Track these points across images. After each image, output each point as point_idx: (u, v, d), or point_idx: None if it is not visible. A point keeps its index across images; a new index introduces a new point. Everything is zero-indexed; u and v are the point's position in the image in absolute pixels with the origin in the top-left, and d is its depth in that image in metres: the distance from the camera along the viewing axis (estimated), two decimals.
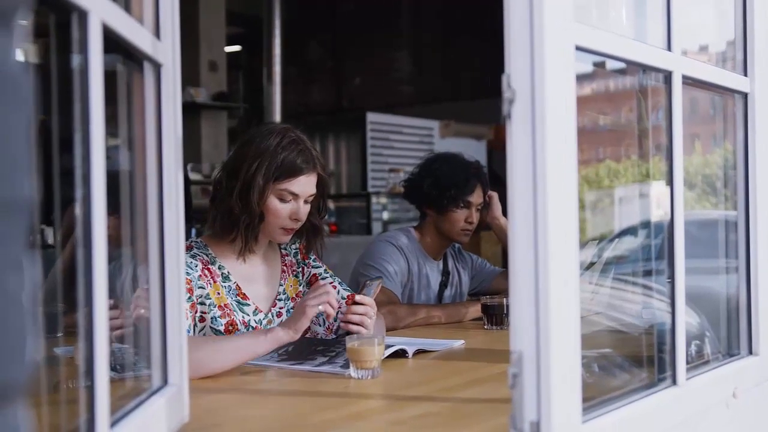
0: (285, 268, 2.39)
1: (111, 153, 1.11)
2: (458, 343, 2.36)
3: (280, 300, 2.34)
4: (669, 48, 1.53)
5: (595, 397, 1.35)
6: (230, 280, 2.23)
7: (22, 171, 0.60)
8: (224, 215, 2.21)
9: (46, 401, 1.21)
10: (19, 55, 0.61)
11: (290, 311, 2.31)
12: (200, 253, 2.21)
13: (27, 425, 0.63)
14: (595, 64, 1.48)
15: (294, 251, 2.44)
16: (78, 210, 1.03)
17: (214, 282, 2.20)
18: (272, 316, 2.30)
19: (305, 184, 2.22)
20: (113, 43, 1.13)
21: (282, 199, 2.20)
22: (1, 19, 0.57)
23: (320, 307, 1.98)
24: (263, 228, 2.24)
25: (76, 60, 1.03)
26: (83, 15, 1.00)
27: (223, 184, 2.22)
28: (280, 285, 2.36)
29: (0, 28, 0.57)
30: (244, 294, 2.25)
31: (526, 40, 1.18)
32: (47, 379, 1.25)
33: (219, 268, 2.23)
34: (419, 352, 2.18)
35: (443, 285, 3.14)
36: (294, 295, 2.37)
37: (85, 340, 1.02)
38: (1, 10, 0.57)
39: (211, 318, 2.16)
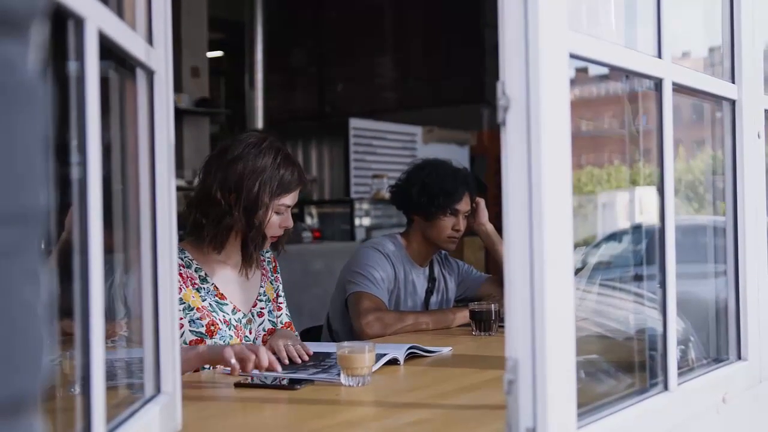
0: (264, 271, 2.48)
1: (102, 160, 1.11)
2: (446, 350, 2.36)
3: (261, 300, 2.42)
4: (659, 55, 1.54)
5: (589, 402, 1.35)
6: (208, 282, 2.29)
7: (37, 180, 0.59)
8: (226, 231, 2.27)
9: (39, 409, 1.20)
10: (35, 64, 0.60)
11: (271, 312, 2.43)
12: None
13: None
14: (578, 70, 1.49)
15: (267, 260, 2.52)
16: (74, 216, 1.02)
17: (187, 286, 2.25)
18: (253, 316, 2.38)
19: (296, 196, 2.35)
20: (106, 49, 1.12)
21: (277, 213, 2.30)
22: (16, 29, 0.57)
23: (233, 361, 1.91)
24: None
25: (71, 66, 1.02)
26: (80, 22, 1.00)
27: (221, 202, 2.23)
28: (261, 286, 2.43)
29: (15, 37, 0.57)
30: (222, 294, 2.31)
31: (521, 48, 1.18)
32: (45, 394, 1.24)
33: (196, 271, 2.29)
34: (411, 357, 2.18)
35: (429, 291, 3.14)
36: (272, 299, 2.47)
37: (81, 348, 1.01)
38: (17, 20, 0.57)
39: (190, 321, 2.21)
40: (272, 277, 2.50)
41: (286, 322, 2.49)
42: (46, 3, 0.62)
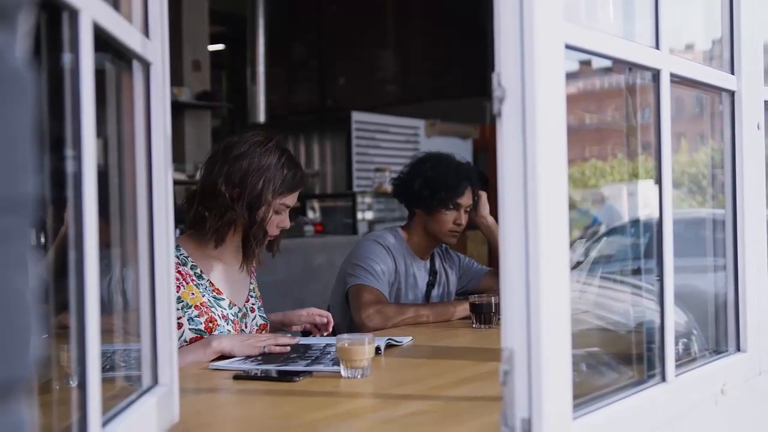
0: (253, 268, 2.51)
1: (98, 153, 1.11)
2: (407, 340, 2.38)
3: (252, 296, 2.46)
4: (657, 46, 1.53)
5: (586, 394, 1.35)
6: (204, 279, 2.32)
7: (26, 169, 0.60)
8: (227, 226, 2.29)
9: (36, 402, 1.20)
10: (22, 53, 0.61)
11: (261, 308, 2.47)
12: None
13: (31, 421, 0.63)
14: (581, 62, 1.49)
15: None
16: (69, 211, 1.02)
17: (187, 283, 2.27)
18: (247, 310, 2.42)
19: (296, 197, 2.38)
20: (102, 41, 1.12)
21: (277, 212, 2.33)
22: (4, 18, 0.57)
23: (265, 349, 2.14)
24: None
25: (66, 58, 1.02)
26: (74, 14, 1.00)
27: (225, 196, 2.26)
28: (251, 283, 2.48)
29: (2, 26, 0.57)
30: (218, 289, 2.34)
31: (516, 39, 1.18)
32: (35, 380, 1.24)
33: (191, 268, 2.31)
34: (389, 346, 2.23)
35: (431, 284, 3.14)
36: (259, 296, 2.51)
37: (76, 341, 1.01)
38: (3, 10, 0.57)
39: (188, 319, 2.23)
40: (256, 276, 2.55)
41: (261, 324, 2.49)
42: None
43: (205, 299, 2.28)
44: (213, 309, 2.28)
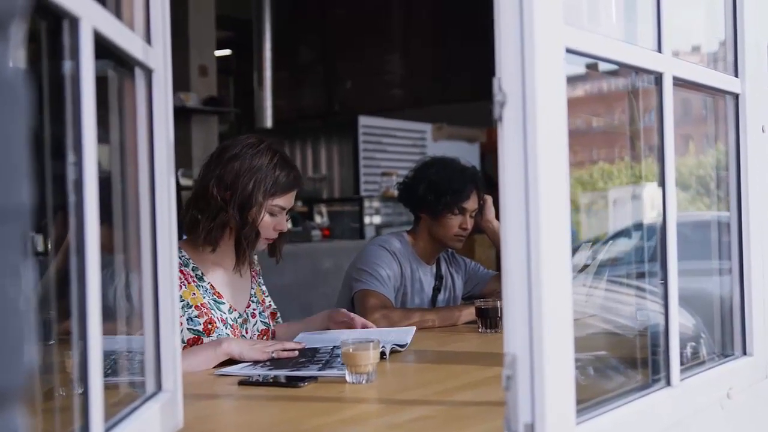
0: (254, 274, 2.52)
1: (101, 159, 1.11)
2: (411, 331, 2.41)
3: (253, 302, 2.46)
4: (659, 49, 1.53)
5: (590, 398, 1.35)
6: (205, 281, 2.33)
7: (19, 177, 0.60)
8: (220, 228, 2.29)
9: (40, 408, 1.21)
10: (16, 62, 0.61)
11: (262, 313, 2.47)
12: None
13: (25, 430, 0.63)
14: (588, 66, 1.49)
15: (255, 263, 2.57)
16: (71, 217, 1.02)
17: (189, 283, 2.28)
18: (247, 316, 2.42)
19: (292, 198, 2.37)
20: (104, 48, 1.13)
21: (271, 214, 2.33)
22: None
23: (273, 354, 2.13)
24: None
25: (67, 66, 1.03)
26: (74, 21, 1.00)
27: (218, 198, 2.27)
28: (252, 288, 2.48)
29: None
30: (219, 293, 2.34)
31: (517, 43, 1.18)
32: (39, 387, 1.24)
33: (193, 270, 2.32)
34: (393, 352, 2.22)
35: (437, 289, 3.14)
36: (260, 300, 2.50)
37: (78, 347, 1.01)
38: None
39: (188, 319, 2.24)
40: (259, 280, 2.55)
41: (262, 329, 2.48)
42: (26, 2, 0.62)
43: (205, 301, 2.28)
44: (213, 311, 2.28)
